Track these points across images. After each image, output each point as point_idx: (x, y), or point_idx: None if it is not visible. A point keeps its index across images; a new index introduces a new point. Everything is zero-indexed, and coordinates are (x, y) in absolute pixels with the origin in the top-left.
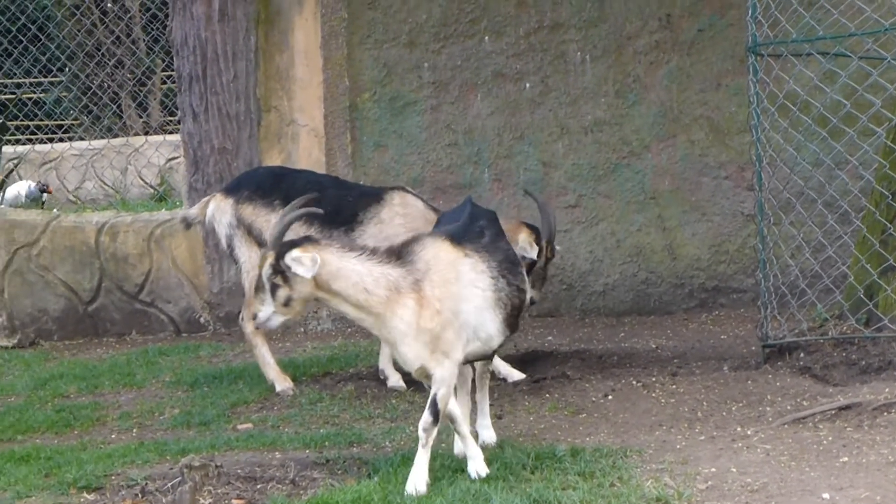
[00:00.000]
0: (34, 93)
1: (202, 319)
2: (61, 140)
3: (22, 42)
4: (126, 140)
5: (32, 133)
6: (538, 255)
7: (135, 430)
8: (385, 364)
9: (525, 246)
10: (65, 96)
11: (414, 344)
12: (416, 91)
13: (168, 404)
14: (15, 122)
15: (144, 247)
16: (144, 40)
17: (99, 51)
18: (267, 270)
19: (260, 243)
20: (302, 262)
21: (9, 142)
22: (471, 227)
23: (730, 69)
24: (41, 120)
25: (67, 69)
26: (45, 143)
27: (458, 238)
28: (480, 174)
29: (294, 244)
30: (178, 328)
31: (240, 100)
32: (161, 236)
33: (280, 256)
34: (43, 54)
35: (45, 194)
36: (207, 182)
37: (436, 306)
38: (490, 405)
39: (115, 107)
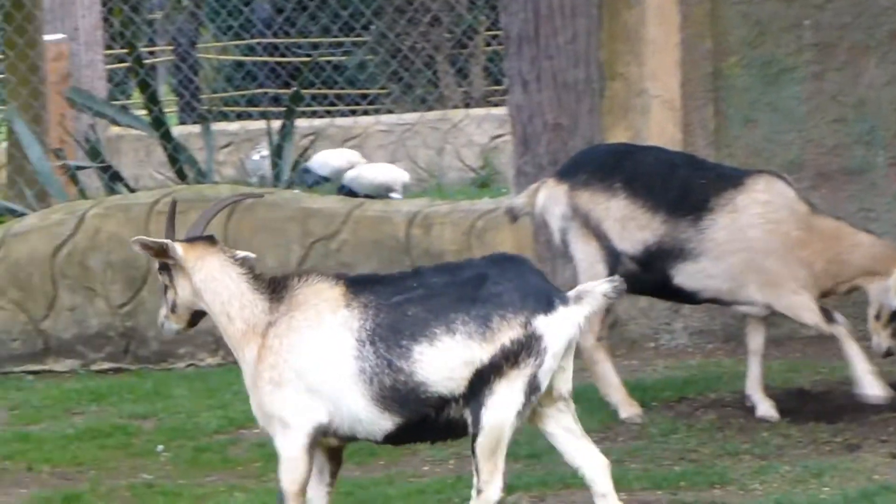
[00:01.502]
0: (333, 55)
1: None
2: (365, 113)
3: None
4: (443, 114)
5: (331, 104)
6: None
7: (451, 462)
8: (753, 389)
9: (892, 287)
10: (370, 60)
11: (253, 399)
12: (795, 55)
13: None
14: (311, 91)
15: (464, 242)
16: None
17: (411, 5)
18: (158, 266)
19: (598, 237)
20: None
21: (303, 114)
22: (400, 277)
23: None
24: (342, 88)
25: (373, 27)
26: (347, 115)
27: (364, 283)
28: (873, 157)
29: (193, 239)
30: None
31: (579, 65)
32: (483, 229)
33: (164, 250)
34: (344, 8)
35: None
36: (539, 164)
37: (270, 360)
38: None
39: (429, 73)
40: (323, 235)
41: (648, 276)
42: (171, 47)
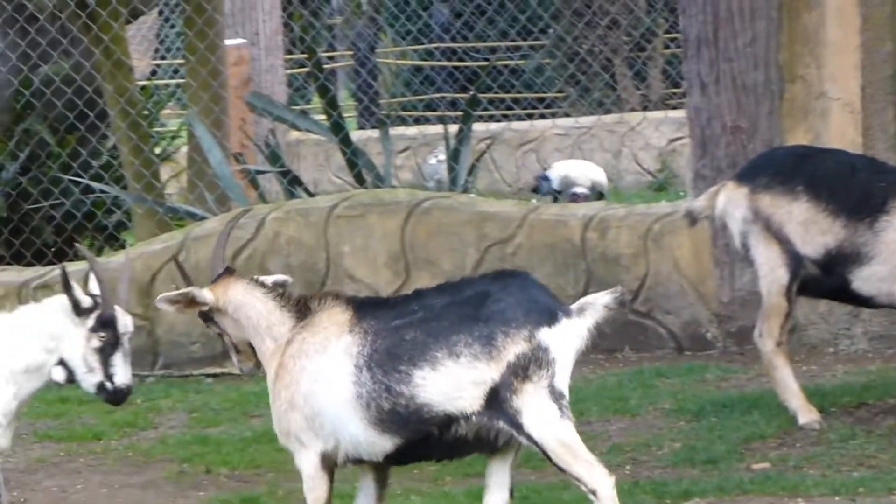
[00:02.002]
0: (511, 59)
1: (709, 335)
2: (542, 116)
3: None
4: (620, 117)
5: (508, 108)
6: None
7: (628, 467)
8: None
9: None
10: (547, 64)
11: (272, 414)
12: None
13: (667, 437)
14: (487, 95)
15: (640, 245)
16: None
17: (589, 8)
18: (201, 317)
19: (780, 241)
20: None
21: (480, 118)
22: (403, 301)
23: None
24: (518, 92)
25: (551, 31)
26: (524, 119)
27: (369, 308)
28: None
29: (215, 280)
30: (680, 344)
31: (758, 68)
32: (660, 233)
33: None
34: (522, 12)
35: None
36: (717, 168)
37: (286, 379)
38: None
39: (607, 76)
40: (498, 239)
41: (829, 280)
42: (350, 52)
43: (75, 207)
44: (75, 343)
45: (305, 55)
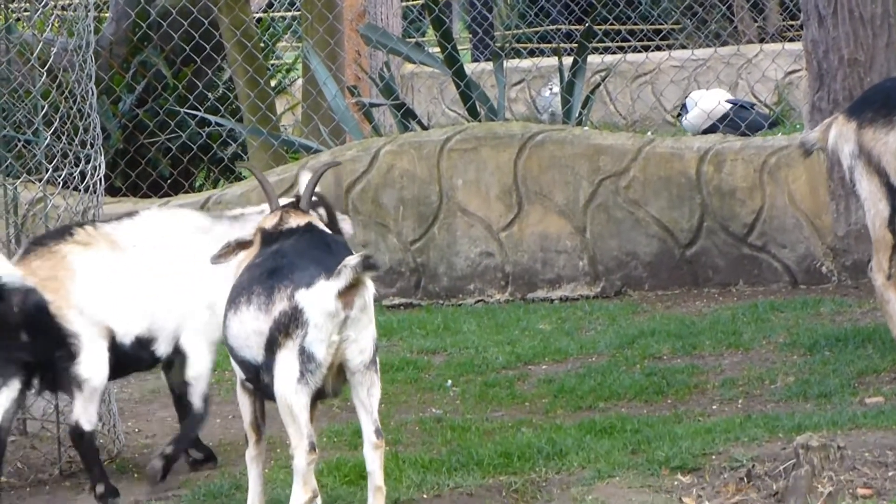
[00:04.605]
0: None
1: (824, 269)
2: (658, 48)
3: None
4: (736, 49)
5: (624, 40)
6: None
7: (740, 401)
8: None
9: None
10: None
11: None
12: None
13: (781, 371)
14: (603, 27)
15: (756, 179)
16: None
17: None
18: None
19: (879, 173)
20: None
21: (595, 50)
22: (279, 237)
23: None
24: (634, 24)
25: None
26: (639, 51)
27: (267, 241)
28: None
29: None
30: (795, 278)
31: (876, 0)
32: (776, 166)
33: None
34: None
35: None
36: (834, 100)
37: None
38: None
39: (724, 8)
40: (612, 172)
41: None
42: None
43: (191, 140)
44: None
45: None
